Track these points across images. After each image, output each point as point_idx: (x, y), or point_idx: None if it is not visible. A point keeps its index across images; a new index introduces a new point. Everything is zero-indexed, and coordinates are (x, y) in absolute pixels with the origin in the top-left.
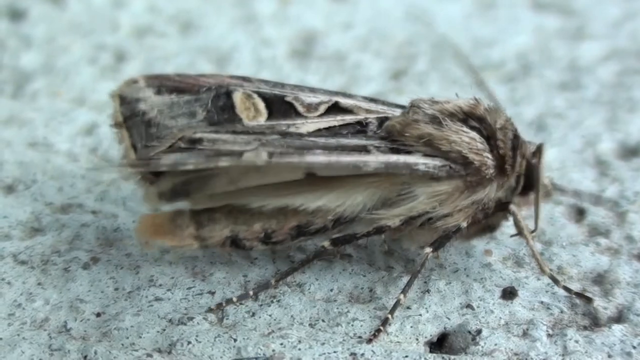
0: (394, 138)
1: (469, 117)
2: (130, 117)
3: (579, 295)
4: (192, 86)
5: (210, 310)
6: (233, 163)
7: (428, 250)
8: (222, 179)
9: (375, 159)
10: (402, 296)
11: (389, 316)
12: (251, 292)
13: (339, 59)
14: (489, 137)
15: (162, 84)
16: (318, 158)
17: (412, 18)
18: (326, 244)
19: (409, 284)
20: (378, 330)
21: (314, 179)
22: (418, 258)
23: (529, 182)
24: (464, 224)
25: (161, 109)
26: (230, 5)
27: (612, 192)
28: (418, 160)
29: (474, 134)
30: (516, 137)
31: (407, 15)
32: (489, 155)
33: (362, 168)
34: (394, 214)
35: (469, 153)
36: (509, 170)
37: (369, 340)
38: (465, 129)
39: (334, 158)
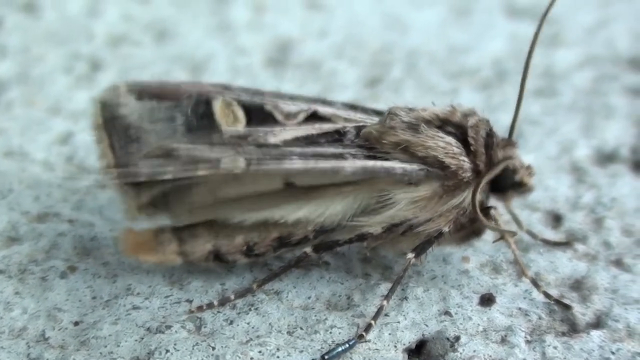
0: (371, 145)
1: (445, 124)
2: (110, 121)
3: (558, 302)
4: (173, 94)
5: (190, 312)
6: (211, 171)
7: (410, 255)
8: (200, 189)
9: (354, 164)
10: (385, 302)
11: (372, 322)
12: (232, 297)
13: (314, 67)
14: (466, 141)
15: (144, 90)
16: (296, 164)
17: (387, 25)
18: (308, 250)
19: (391, 290)
20: (360, 336)
21: (293, 190)
22: (397, 265)
23: (505, 180)
24: (446, 229)
25: (141, 114)
26: (205, 13)
27: (589, 199)
28: (395, 165)
29: (449, 139)
30: (490, 135)
31: (382, 23)
32: (465, 159)
33: (340, 172)
34: (375, 221)
35: (445, 157)
36: (482, 168)
37: (353, 343)
38: (441, 134)
39: (311, 164)
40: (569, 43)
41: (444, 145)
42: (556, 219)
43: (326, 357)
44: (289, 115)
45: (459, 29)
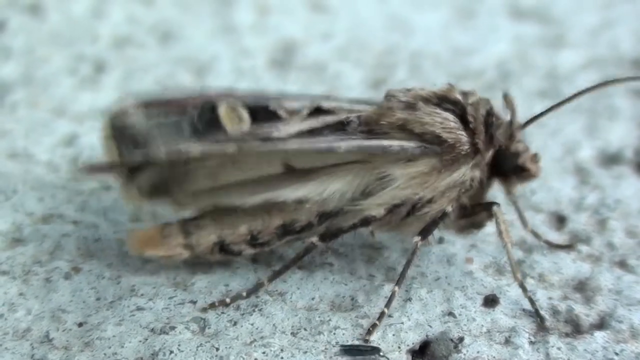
0: (371, 129)
1: (443, 101)
2: (120, 135)
3: (537, 312)
4: (180, 105)
5: (203, 309)
6: (205, 148)
7: (417, 239)
8: (200, 175)
9: (349, 142)
10: (396, 288)
11: (385, 310)
12: (244, 293)
13: (318, 69)
14: (463, 117)
15: (151, 104)
16: (290, 144)
17: (391, 27)
18: (315, 239)
19: (402, 275)
20: (374, 326)
21: (293, 173)
22: (400, 266)
23: (507, 162)
24: (449, 208)
25: (150, 127)
26: (210, 15)
27: (593, 200)
28: (392, 142)
29: (446, 114)
30: (490, 114)
31: (386, 25)
32: (463, 133)
33: (335, 150)
34: (377, 202)
35: (442, 132)
36: (481, 145)
37: (368, 334)
38: (438, 110)
39: (306, 142)
40: (573, 44)
41: (441, 120)
42: (560, 220)
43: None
44: (293, 112)
45: (462, 31)
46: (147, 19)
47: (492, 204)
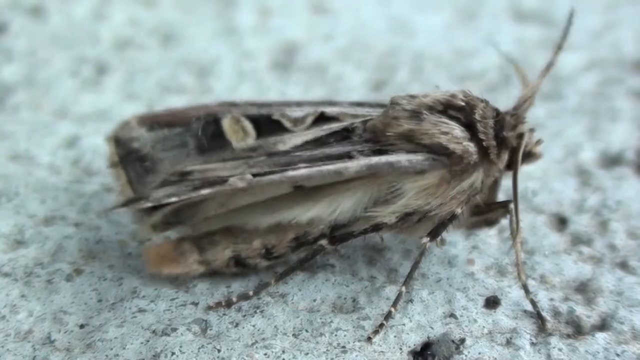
0: (378, 139)
1: (448, 108)
2: (126, 156)
3: (539, 314)
4: (182, 119)
5: (209, 308)
6: (215, 190)
7: (425, 240)
8: (211, 204)
9: (357, 163)
10: (403, 288)
11: (392, 309)
12: (251, 293)
13: (320, 70)
14: (469, 125)
15: (154, 120)
16: (299, 172)
17: (393, 29)
18: (324, 242)
19: (409, 276)
20: (381, 325)
21: (303, 191)
22: (402, 267)
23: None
24: (459, 210)
25: (154, 144)
26: (211, 17)
27: (594, 201)
28: (400, 158)
29: (453, 124)
30: (498, 122)
31: (388, 26)
32: (470, 143)
33: (344, 174)
34: (389, 211)
35: (449, 143)
36: (494, 158)
37: (374, 333)
38: (444, 119)
39: (314, 169)
40: (574, 46)
41: (447, 131)
42: (561, 222)
43: None
44: (297, 121)
45: (464, 32)
46: (148, 21)
47: (509, 201)
